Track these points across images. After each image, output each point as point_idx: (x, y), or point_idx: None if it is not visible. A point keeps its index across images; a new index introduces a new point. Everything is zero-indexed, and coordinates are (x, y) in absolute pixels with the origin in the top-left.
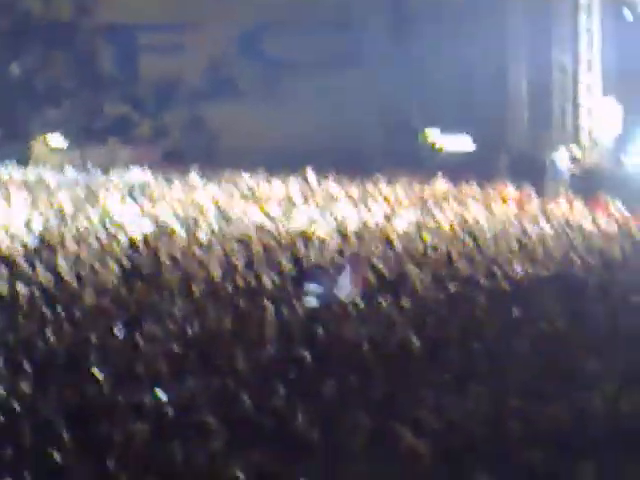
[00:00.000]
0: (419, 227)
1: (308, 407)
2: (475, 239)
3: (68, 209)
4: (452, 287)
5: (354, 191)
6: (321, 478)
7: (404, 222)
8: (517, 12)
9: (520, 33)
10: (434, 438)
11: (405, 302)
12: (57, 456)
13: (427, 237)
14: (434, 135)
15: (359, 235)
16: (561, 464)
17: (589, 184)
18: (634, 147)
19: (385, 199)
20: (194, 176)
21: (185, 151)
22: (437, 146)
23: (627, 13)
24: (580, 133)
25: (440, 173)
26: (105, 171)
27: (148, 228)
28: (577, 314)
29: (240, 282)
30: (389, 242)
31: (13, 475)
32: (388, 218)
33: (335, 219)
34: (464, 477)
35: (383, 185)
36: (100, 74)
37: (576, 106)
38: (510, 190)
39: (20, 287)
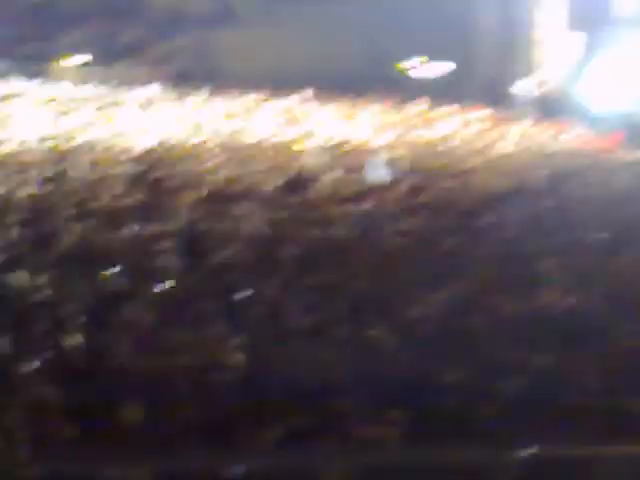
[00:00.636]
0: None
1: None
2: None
3: (86, 120)
4: (426, 197)
5: (342, 110)
6: None
7: (386, 137)
8: None
9: None
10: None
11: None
12: None
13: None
14: (414, 63)
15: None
16: None
17: (548, 108)
18: (590, 76)
19: (369, 118)
20: (199, 94)
21: (192, 72)
22: (415, 72)
23: None
24: (542, 62)
25: (419, 96)
26: (121, 88)
27: (156, 139)
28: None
29: (236, 187)
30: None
31: None
32: (372, 134)
33: (324, 134)
34: None
35: (367, 106)
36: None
37: (541, 38)
38: (481, 113)
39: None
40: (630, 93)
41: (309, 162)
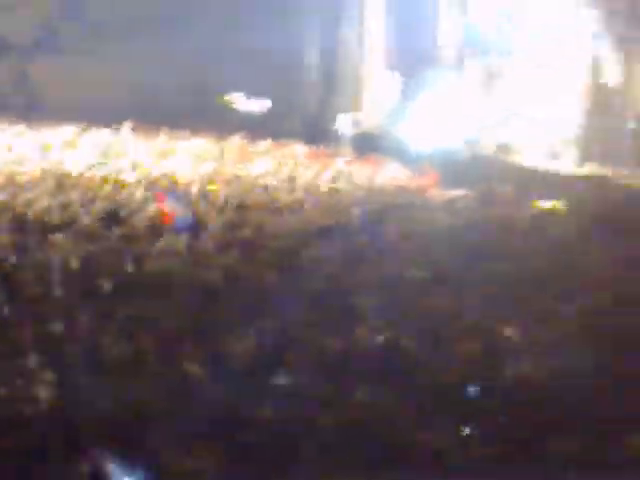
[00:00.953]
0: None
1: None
2: (266, 188)
3: None
4: (245, 232)
5: (162, 143)
6: None
7: (205, 172)
8: None
9: (311, 7)
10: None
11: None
12: None
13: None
14: (234, 97)
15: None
16: None
17: (368, 146)
18: (409, 115)
19: (189, 152)
20: (18, 124)
21: (12, 102)
22: (235, 107)
23: None
24: (362, 101)
25: (238, 131)
26: None
27: None
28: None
29: (53, 219)
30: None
31: None
32: (191, 168)
33: (143, 167)
34: None
35: (187, 140)
36: None
37: (363, 76)
38: (302, 148)
39: None
40: (447, 132)
41: (127, 195)
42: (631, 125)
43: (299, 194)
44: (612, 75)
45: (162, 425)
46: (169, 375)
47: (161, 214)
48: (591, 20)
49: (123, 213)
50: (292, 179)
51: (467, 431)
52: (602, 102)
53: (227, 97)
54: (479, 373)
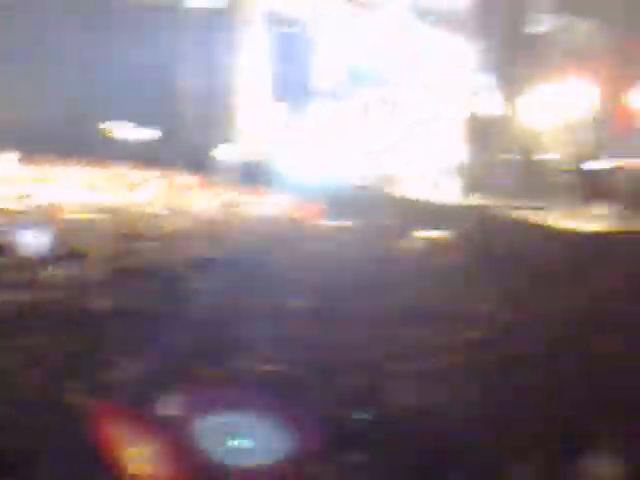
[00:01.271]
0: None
1: None
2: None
3: None
4: (130, 261)
5: (44, 172)
6: None
7: (88, 200)
8: (190, 25)
9: (195, 43)
10: None
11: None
12: None
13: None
14: (121, 127)
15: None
16: None
17: (253, 176)
18: (293, 145)
19: (71, 180)
20: None
21: None
22: (120, 136)
23: (290, 28)
24: (245, 131)
25: (125, 160)
26: None
27: None
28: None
29: None
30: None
31: None
32: (75, 197)
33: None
34: None
35: (70, 169)
36: None
37: (246, 106)
38: (184, 178)
39: None
40: (331, 162)
41: (10, 224)
42: (512, 157)
43: (184, 223)
44: (494, 107)
45: (49, 462)
46: (54, 408)
47: None
48: (472, 53)
49: (9, 242)
50: (177, 208)
51: (355, 463)
52: (486, 134)
53: (111, 126)
54: (366, 406)
